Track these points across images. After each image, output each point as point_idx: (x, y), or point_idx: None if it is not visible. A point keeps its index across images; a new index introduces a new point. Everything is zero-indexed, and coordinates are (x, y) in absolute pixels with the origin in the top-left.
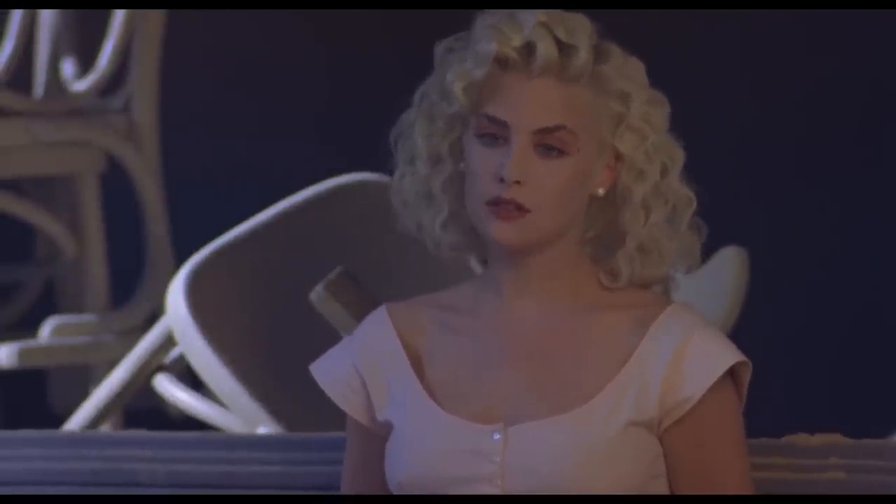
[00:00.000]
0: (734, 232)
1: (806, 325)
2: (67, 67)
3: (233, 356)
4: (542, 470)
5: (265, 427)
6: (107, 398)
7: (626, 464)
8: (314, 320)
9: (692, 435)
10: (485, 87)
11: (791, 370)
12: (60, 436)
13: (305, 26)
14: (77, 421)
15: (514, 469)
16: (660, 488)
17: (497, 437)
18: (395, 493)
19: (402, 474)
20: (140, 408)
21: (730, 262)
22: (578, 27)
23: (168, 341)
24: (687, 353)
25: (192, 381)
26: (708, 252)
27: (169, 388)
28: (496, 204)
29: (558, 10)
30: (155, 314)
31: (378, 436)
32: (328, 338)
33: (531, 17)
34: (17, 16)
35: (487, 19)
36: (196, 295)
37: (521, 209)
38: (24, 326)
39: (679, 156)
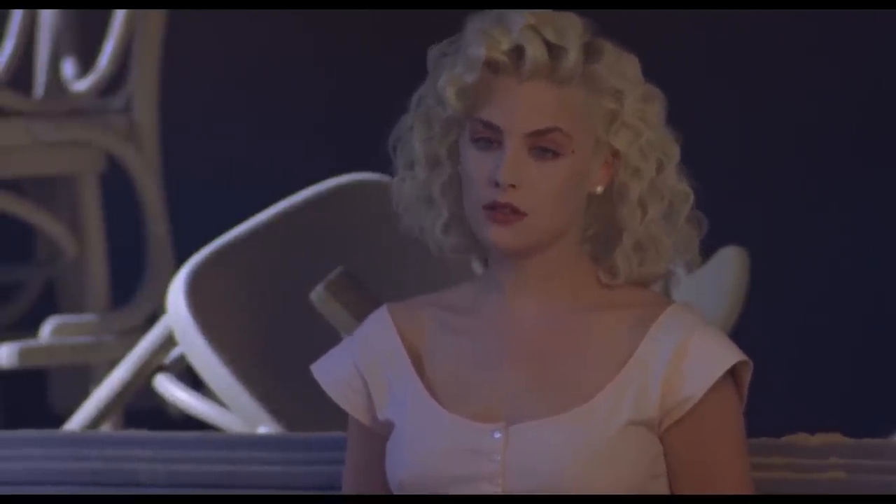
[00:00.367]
0: (734, 232)
1: (806, 324)
2: (68, 67)
3: (233, 356)
4: (543, 469)
5: (265, 427)
6: (107, 398)
7: (627, 463)
8: (314, 320)
9: (692, 435)
10: (477, 91)
11: (791, 370)
12: (61, 436)
13: (306, 26)
14: (77, 421)
15: (515, 468)
16: (660, 488)
17: (498, 436)
18: (395, 492)
19: (402, 473)
20: (140, 408)
21: (730, 262)
22: (568, 27)
23: (168, 341)
24: (687, 352)
25: (192, 380)
26: (708, 252)
27: (169, 388)
28: (492, 208)
29: (548, 11)
30: (155, 314)
31: (379, 435)
32: (328, 338)
33: (520, 20)
34: (17, 16)
35: (476, 23)
36: (196, 295)
37: (517, 213)
38: (25, 326)
39: (675, 151)
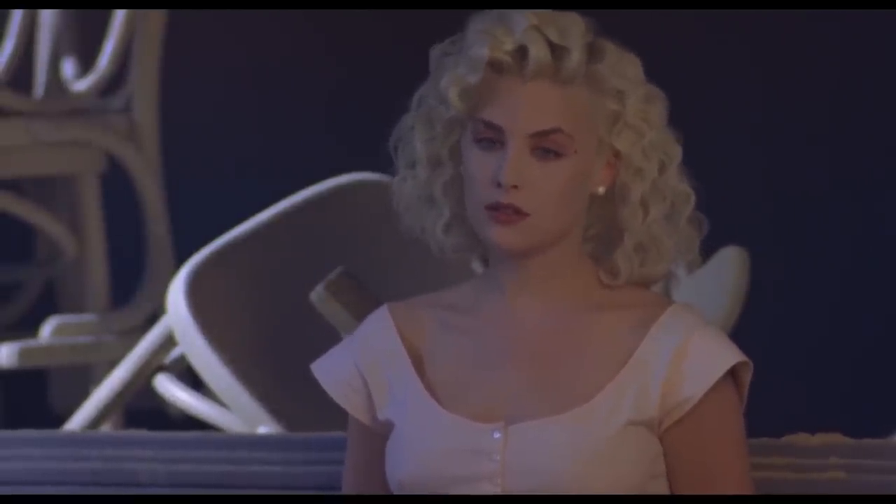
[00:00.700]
0: (734, 232)
1: (806, 324)
2: (68, 67)
3: (233, 356)
4: (542, 469)
5: (265, 427)
6: (107, 398)
7: (626, 463)
8: (315, 320)
9: (692, 435)
10: (480, 91)
11: (791, 370)
12: (61, 436)
13: (306, 26)
14: (77, 421)
15: (515, 468)
16: (660, 488)
17: (497, 435)
18: (395, 492)
19: (402, 473)
20: (140, 408)
21: (730, 262)
22: (571, 27)
23: (168, 341)
24: (688, 353)
25: (192, 380)
26: (708, 252)
27: (169, 388)
28: (495, 209)
29: (550, 11)
30: (155, 314)
31: (379, 435)
32: (328, 338)
33: (523, 21)
34: (17, 16)
35: (479, 23)
36: (196, 295)
37: (519, 213)
38: (25, 326)
39: (676, 152)
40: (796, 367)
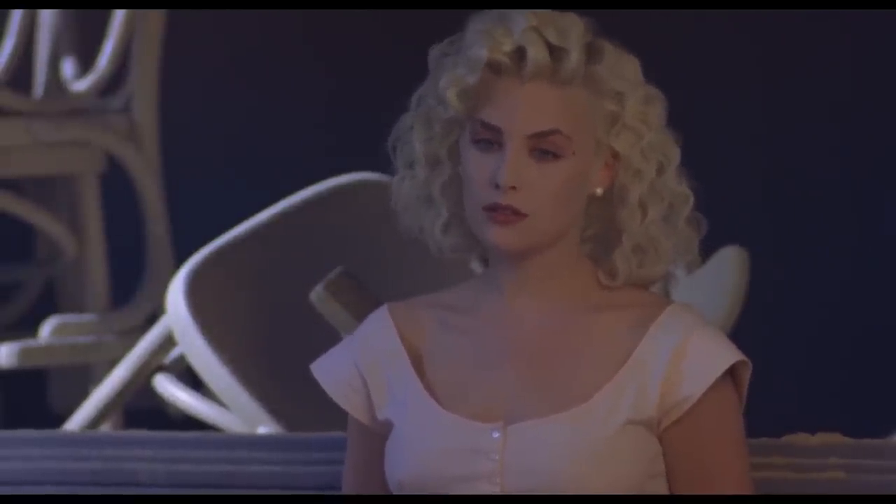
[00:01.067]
0: (734, 232)
1: (806, 324)
2: (67, 67)
3: (233, 356)
4: (541, 468)
5: (265, 427)
6: (107, 398)
7: (625, 463)
8: (314, 320)
9: (692, 434)
10: (478, 91)
11: (791, 370)
12: (60, 436)
13: (306, 26)
14: (77, 421)
15: (514, 467)
16: (659, 488)
17: (496, 435)
18: (395, 492)
19: (401, 473)
20: (140, 408)
21: (730, 262)
22: (570, 28)
23: (168, 341)
24: (687, 352)
25: (192, 380)
26: (708, 252)
27: (169, 388)
28: (493, 209)
29: (549, 11)
30: (155, 314)
31: (379, 435)
32: (328, 338)
33: (522, 21)
34: (17, 16)
35: (478, 24)
36: (196, 295)
37: (517, 214)
38: (25, 326)
39: (675, 153)
40: (796, 367)
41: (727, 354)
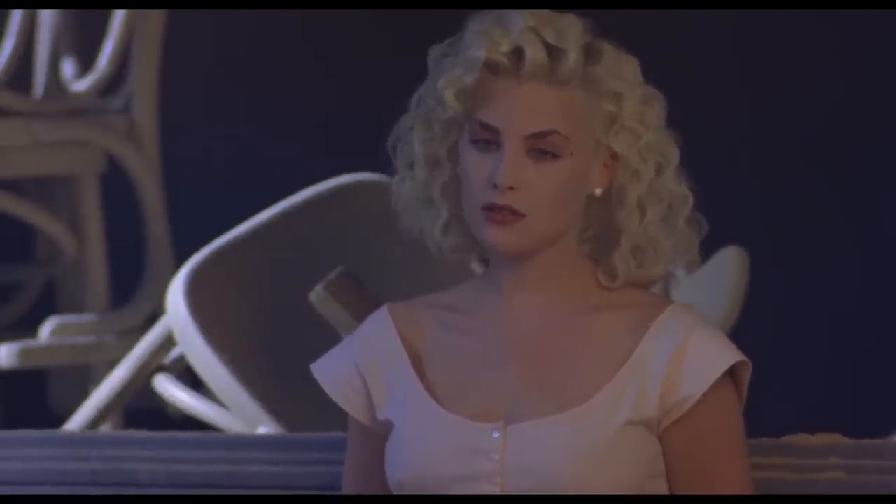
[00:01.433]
0: (734, 232)
1: (806, 324)
2: (67, 67)
3: (232, 356)
4: (541, 469)
5: (265, 427)
6: (107, 398)
7: (625, 463)
8: (314, 320)
9: (691, 435)
10: (477, 92)
11: (791, 370)
12: (60, 436)
13: (306, 26)
14: (77, 421)
15: (513, 468)
16: (659, 488)
17: (496, 435)
18: (395, 492)
19: (401, 473)
20: (140, 408)
21: (730, 263)
22: (568, 28)
23: (168, 341)
24: (687, 352)
25: (191, 381)
26: (708, 252)
27: (169, 388)
28: (491, 209)
29: (548, 11)
30: (155, 314)
31: (379, 435)
32: (328, 338)
33: (520, 21)
34: (17, 16)
35: (476, 24)
36: (196, 295)
37: (516, 214)
38: (25, 326)
39: (674, 154)
40: (796, 367)
41: (727, 355)
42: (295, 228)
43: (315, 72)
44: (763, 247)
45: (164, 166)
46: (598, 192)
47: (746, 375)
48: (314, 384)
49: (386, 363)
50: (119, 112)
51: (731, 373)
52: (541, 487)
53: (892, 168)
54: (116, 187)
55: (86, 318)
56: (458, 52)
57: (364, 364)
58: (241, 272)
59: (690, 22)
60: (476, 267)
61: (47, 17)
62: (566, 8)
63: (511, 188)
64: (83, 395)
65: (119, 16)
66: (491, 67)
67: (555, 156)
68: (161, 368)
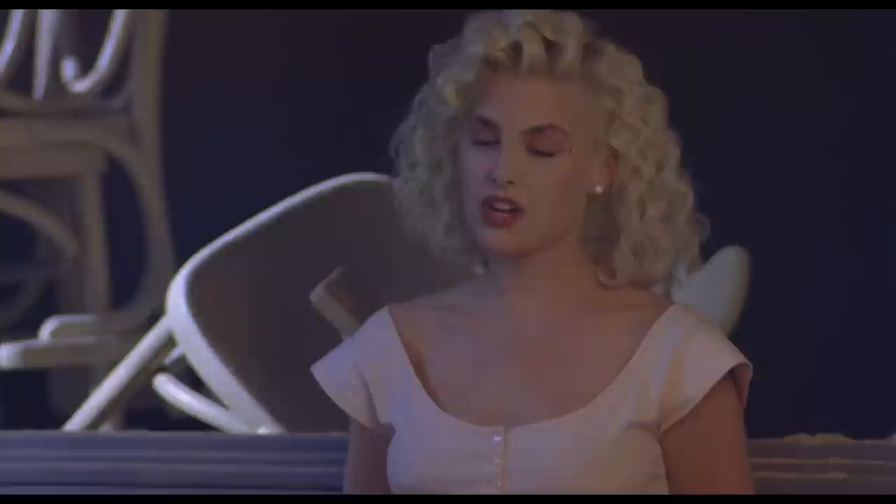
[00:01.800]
0: (734, 232)
1: (806, 325)
2: (68, 68)
3: (233, 357)
4: (542, 472)
5: (265, 428)
6: (107, 399)
7: (627, 466)
8: (315, 321)
9: (693, 436)
10: (476, 89)
11: (791, 370)
12: (61, 436)
13: (307, 26)
14: (78, 421)
15: (515, 471)
16: (659, 489)
17: (497, 439)
18: (396, 493)
19: (402, 475)
20: (141, 408)
21: (730, 263)
22: (567, 25)
23: (169, 342)
24: (688, 354)
25: (192, 381)
26: (708, 253)
27: (169, 389)
28: (490, 204)
29: (547, 10)
30: (155, 315)
31: (380, 437)
32: (329, 339)
33: (518, 18)
34: (17, 16)
35: (475, 22)
36: (196, 295)
37: (516, 209)
38: (25, 327)
39: (674, 152)
40: (797, 368)
41: (728, 357)
42: (295, 229)
43: (316, 72)
44: (764, 247)
45: (164, 167)
46: (598, 190)
47: (747, 377)
48: (315, 385)
49: (387, 365)
50: (120, 112)
51: (732, 374)
52: (542, 490)
53: (893, 168)
54: (117, 188)
55: (86, 318)
56: (457, 51)
57: (365, 366)
58: (241, 273)
59: (692, 21)
60: (477, 268)
61: (48, 18)
62: (566, 8)
63: (510, 183)
64: (84, 395)
65: (119, 16)
66: (490, 64)
67: (554, 151)
68: (161, 369)
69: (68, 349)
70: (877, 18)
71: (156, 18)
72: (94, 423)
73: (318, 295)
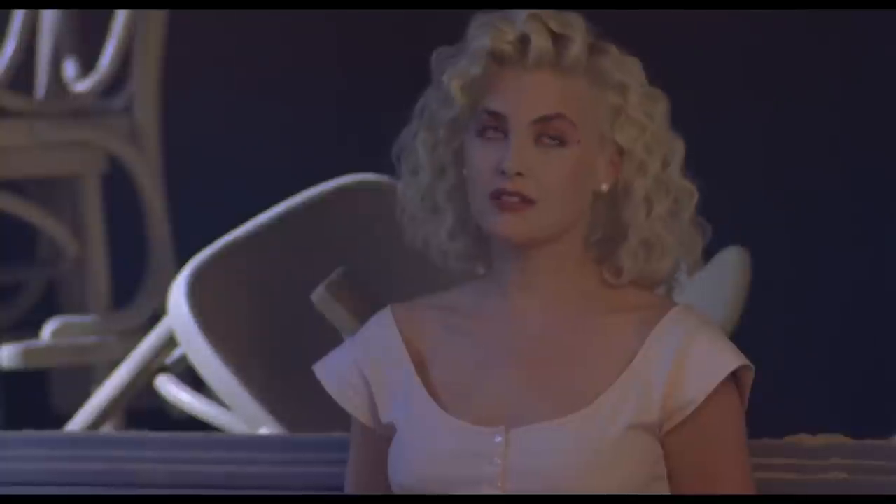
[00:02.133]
0: (735, 232)
1: (807, 325)
2: (69, 68)
3: (234, 357)
4: (544, 472)
5: (266, 428)
6: (108, 399)
7: (628, 466)
8: (316, 321)
9: (694, 438)
10: (482, 84)
11: (792, 370)
12: (62, 436)
13: (307, 26)
14: (79, 421)
15: (516, 471)
16: (660, 490)
17: (498, 439)
18: (396, 493)
19: (403, 475)
20: (142, 408)
21: (731, 263)
22: (572, 20)
23: (170, 342)
24: (690, 355)
25: (193, 381)
26: (709, 253)
27: (170, 389)
28: (499, 196)
29: (551, 10)
30: (157, 315)
31: (381, 436)
32: (330, 339)
33: (523, 13)
34: (18, 16)
35: (479, 20)
36: (197, 295)
37: (525, 200)
38: (27, 327)
39: (679, 147)
40: (798, 368)
41: (730, 359)
42: (296, 229)
43: (317, 72)
44: (765, 247)
45: (165, 167)
46: (604, 188)
47: (749, 378)
48: (316, 385)
49: (388, 364)
50: (121, 112)
51: (734, 376)
52: (543, 491)
53: (894, 168)
54: (118, 188)
55: (87, 318)
56: (461, 50)
57: (366, 365)
58: (242, 273)
59: (695, 20)
60: (479, 268)
61: (49, 18)
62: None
63: (519, 174)
64: (85, 395)
65: (120, 16)
66: (496, 57)
67: (562, 142)
68: (162, 369)
69: (69, 349)
70: (877, 18)
71: (157, 18)
72: (95, 424)
73: (318, 295)
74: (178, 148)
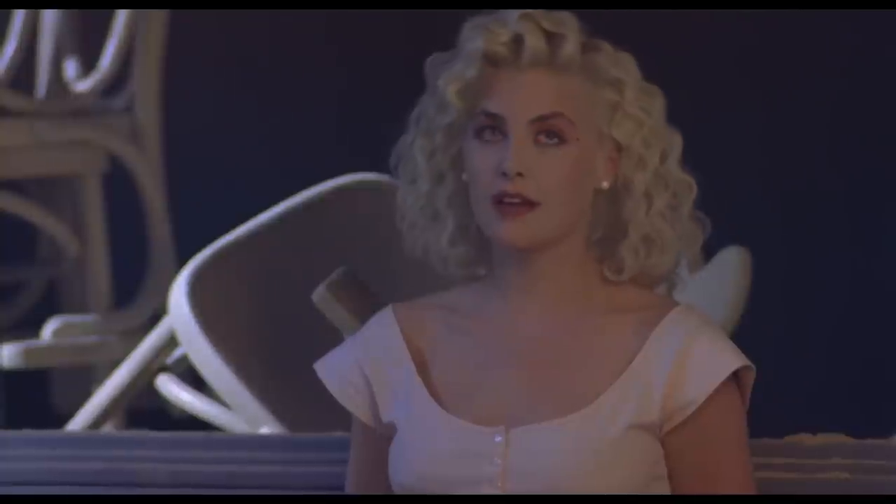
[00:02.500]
0: (736, 232)
1: (808, 325)
2: (70, 68)
3: (235, 356)
4: (544, 472)
5: (267, 427)
6: (109, 398)
7: (628, 467)
8: (316, 321)
9: (695, 438)
10: (478, 86)
11: (793, 370)
12: (63, 436)
13: (308, 26)
14: (80, 421)
15: (516, 471)
16: (661, 490)
17: (499, 439)
18: (397, 493)
19: (403, 475)
20: (142, 408)
21: (732, 263)
22: (564, 19)
23: (170, 341)
24: (691, 356)
25: (194, 381)
26: (710, 253)
27: (171, 389)
28: (501, 200)
29: (543, 10)
30: (157, 314)
31: (382, 435)
32: (330, 338)
33: (515, 13)
34: (19, 16)
35: (472, 23)
36: (198, 295)
37: (528, 203)
38: (27, 326)
39: (677, 141)
40: (799, 367)
41: (731, 359)
42: (297, 229)
43: (317, 72)
44: (765, 247)
45: (166, 166)
46: (604, 185)
47: (750, 379)
48: (317, 384)
49: (389, 364)
50: (121, 112)
51: (735, 376)
52: (543, 491)
53: (894, 168)
54: (119, 187)
55: (88, 318)
56: (455, 55)
57: (367, 364)
58: (243, 273)
59: (693, 18)
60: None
61: (50, 18)
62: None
63: (520, 175)
64: (86, 395)
65: (121, 16)
66: (490, 59)
67: (561, 140)
68: (163, 369)
69: (70, 349)
70: (876, 18)
71: (157, 18)
72: (96, 423)
73: (319, 295)
74: (178, 148)
